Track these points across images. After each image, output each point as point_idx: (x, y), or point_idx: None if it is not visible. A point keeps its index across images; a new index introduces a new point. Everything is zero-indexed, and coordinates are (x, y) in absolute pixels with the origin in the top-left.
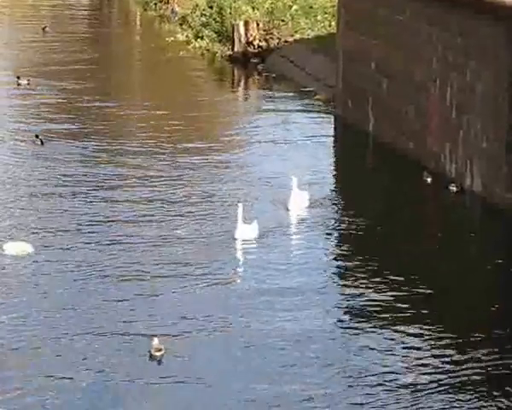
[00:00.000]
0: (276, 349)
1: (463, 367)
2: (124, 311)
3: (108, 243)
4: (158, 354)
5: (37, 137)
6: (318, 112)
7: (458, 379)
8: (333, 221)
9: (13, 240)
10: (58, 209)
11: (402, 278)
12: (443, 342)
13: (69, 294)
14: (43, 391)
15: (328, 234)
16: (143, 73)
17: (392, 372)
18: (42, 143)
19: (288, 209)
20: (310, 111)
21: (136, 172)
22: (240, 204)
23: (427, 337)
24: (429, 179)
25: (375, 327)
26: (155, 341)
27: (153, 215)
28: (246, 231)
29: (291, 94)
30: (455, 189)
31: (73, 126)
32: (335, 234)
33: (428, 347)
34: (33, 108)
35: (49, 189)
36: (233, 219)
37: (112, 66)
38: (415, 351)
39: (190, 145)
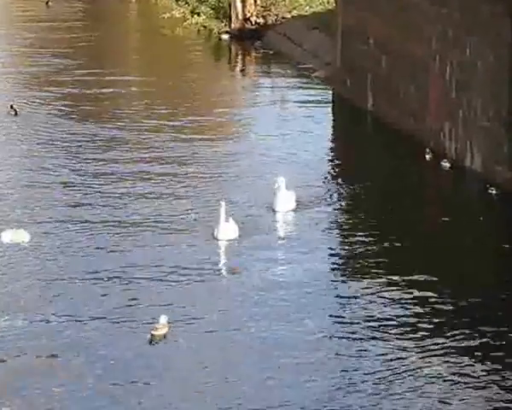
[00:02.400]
0: None
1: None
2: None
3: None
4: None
5: (11, 107)
6: (316, 89)
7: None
8: (328, 204)
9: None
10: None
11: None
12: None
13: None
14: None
15: (326, 227)
16: (139, 50)
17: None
18: (16, 113)
19: (274, 211)
20: (307, 88)
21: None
22: (222, 202)
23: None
24: (428, 156)
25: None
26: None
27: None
28: (229, 230)
29: (288, 71)
30: (448, 165)
31: (60, 97)
32: (332, 221)
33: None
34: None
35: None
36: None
37: (107, 42)
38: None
39: (184, 120)
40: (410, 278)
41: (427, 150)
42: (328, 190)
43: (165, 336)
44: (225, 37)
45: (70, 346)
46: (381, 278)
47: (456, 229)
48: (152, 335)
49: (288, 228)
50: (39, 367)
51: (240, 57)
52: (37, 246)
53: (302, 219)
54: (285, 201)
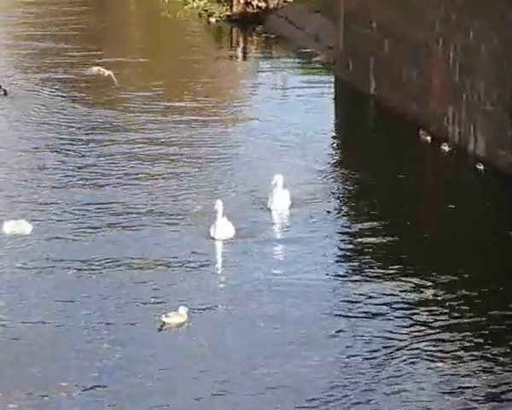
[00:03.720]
0: None
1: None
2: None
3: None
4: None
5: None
6: (318, 73)
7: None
8: (330, 190)
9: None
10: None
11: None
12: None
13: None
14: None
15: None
16: (138, 33)
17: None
18: (5, 93)
19: (269, 209)
20: (309, 73)
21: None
22: (219, 201)
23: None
24: (428, 138)
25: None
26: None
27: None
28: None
29: (290, 55)
30: (447, 148)
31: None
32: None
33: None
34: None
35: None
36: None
37: (106, 24)
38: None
39: (183, 104)
40: (414, 272)
41: (422, 132)
42: (329, 178)
43: (180, 325)
44: (213, 20)
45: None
46: (389, 276)
47: (460, 215)
48: (163, 322)
49: (284, 226)
50: None
51: (241, 41)
52: (39, 237)
53: (300, 214)
54: (281, 199)
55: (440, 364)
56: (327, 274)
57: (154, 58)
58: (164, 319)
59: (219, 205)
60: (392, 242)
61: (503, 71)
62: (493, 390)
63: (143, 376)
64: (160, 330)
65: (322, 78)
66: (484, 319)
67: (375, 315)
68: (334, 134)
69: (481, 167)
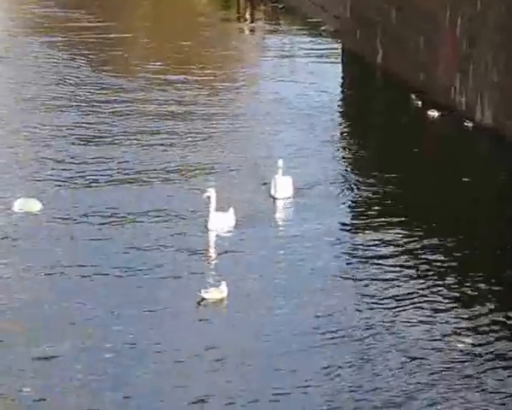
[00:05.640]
0: None
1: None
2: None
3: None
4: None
5: None
6: (326, 43)
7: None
8: (337, 160)
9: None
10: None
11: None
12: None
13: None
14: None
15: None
16: (143, 8)
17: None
18: None
19: (272, 197)
20: (317, 43)
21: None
22: (212, 190)
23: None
24: (419, 102)
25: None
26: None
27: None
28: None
29: (298, 25)
30: (436, 114)
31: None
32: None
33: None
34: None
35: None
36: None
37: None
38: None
39: (191, 76)
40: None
41: (414, 96)
42: (333, 149)
43: (219, 301)
44: None
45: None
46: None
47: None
48: (202, 297)
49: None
50: None
51: (248, 11)
52: (49, 215)
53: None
54: (283, 186)
55: (460, 345)
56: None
57: (159, 23)
58: (203, 294)
59: (212, 193)
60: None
61: (510, 40)
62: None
63: None
64: (199, 305)
65: (328, 47)
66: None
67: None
68: (340, 103)
69: (470, 124)
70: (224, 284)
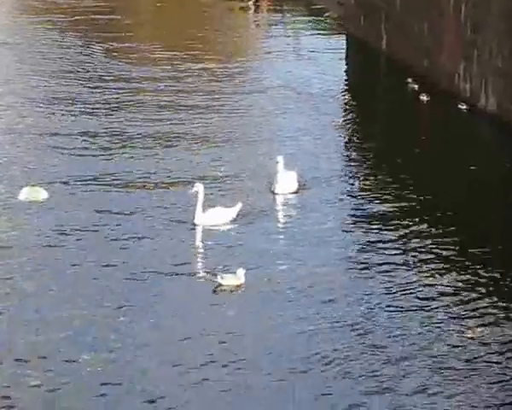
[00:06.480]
0: None
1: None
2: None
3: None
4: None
5: None
6: (329, 29)
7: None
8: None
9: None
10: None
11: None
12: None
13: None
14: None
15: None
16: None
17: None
18: None
19: (273, 193)
20: (320, 29)
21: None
22: (199, 184)
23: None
24: (416, 86)
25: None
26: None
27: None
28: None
29: (301, 11)
30: (425, 98)
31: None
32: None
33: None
34: None
35: None
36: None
37: None
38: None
39: (195, 55)
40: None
41: (410, 80)
42: (336, 134)
43: (236, 287)
44: None
45: None
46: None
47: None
48: (219, 284)
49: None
50: None
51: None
52: (54, 203)
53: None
54: (285, 182)
55: (470, 334)
56: None
57: (165, 2)
58: (220, 280)
59: (200, 188)
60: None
61: None
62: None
63: None
64: (215, 291)
65: (333, 33)
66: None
67: None
68: (344, 89)
69: (464, 107)
70: (241, 270)
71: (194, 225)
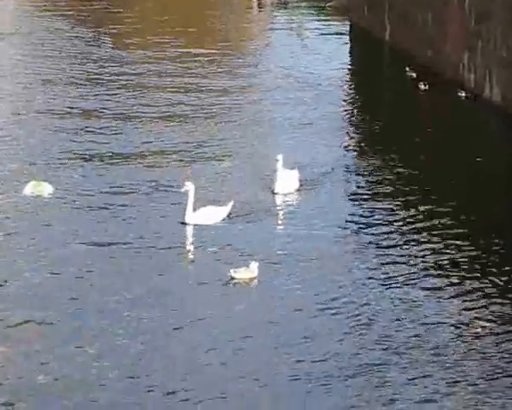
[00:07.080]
0: None
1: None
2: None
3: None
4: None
5: None
6: (333, 20)
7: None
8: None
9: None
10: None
11: None
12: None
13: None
14: None
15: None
16: None
17: None
18: None
19: (273, 192)
20: (324, 19)
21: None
22: (190, 183)
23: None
24: (414, 74)
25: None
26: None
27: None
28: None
29: (305, 2)
30: (423, 87)
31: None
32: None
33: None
34: None
35: None
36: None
37: None
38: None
39: (200, 51)
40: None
41: (408, 69)
42: (340, 121)
43: (249, 281)
44: None
45: None
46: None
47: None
48: (232, 277)
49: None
50: None
51: None
52: (60, 198)
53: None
54: (285, 181)
55: (479, 329)
56: None
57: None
58: (233, 274)
59: (191, 187)
60: None
61: None
62: None
63: None
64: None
65: (336, 23)
66: None
67: None
68: (348, 79)
69: (463, 94)
70: (254, 263)
71: (185, 224)
